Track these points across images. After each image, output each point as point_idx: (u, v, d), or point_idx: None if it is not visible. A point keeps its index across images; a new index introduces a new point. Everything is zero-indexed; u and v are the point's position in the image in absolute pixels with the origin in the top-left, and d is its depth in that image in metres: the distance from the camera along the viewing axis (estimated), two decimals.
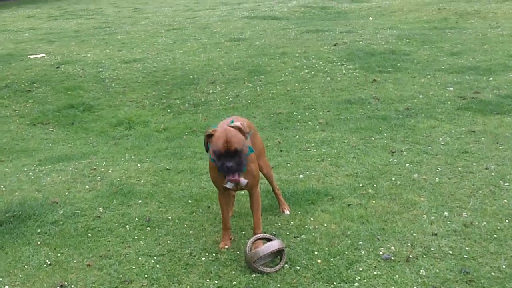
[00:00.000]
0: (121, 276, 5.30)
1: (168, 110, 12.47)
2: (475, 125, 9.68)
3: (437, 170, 7.61)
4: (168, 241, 5.94)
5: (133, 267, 5.43)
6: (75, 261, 5.61)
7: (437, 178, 7.31)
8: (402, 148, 8.64)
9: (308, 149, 8.88)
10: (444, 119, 10.17)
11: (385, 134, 9.45)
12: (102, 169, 8.34)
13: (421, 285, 4.90)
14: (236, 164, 5.12)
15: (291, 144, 9.19)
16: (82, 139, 11.02)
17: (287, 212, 6.40)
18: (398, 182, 7.26)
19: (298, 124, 10.63)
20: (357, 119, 10.57)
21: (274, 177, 6.61)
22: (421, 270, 5.11)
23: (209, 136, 5.22)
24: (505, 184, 7.04)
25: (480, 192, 6.82)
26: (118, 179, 7.85)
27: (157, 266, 5.44)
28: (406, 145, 8.77)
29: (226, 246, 5.76)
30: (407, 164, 7.90)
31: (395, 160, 8.12)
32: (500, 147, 8.48)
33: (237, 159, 5.05)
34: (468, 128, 9.55)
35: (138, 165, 8.50)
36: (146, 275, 5.28)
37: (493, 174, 7.40)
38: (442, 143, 8.80)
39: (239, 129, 5.06)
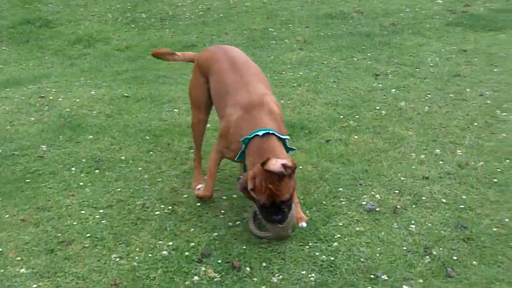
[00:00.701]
0: (59, 234, 4.49)
1: (132, 26, 11.42)
2: (466, 43, 8.80)
3: (426, 97, 6.79)
4: (119, 189, 5.11)
5: (75, 223, 4.62)
6: (7, 215, 4.78)
7: (426, 107, 6.49)
8: (387, 70, 7.77)
9: (284, 72, 7.98)
10: (432, 36, 9.28)
11: (368, 54, 8.55)
12: (51, 97, 7.40)
13: (411, 245, 4.15)
14: (284, 215, 4.07)
15: (265, 66, 8.25)
16: (36, 59, 10.00)
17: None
18: (383, 111, 6.43)
19: (273, 42, 9.66)
20: (338, 36, 9.63)
21: None
22: (411, 225, 4.35)
23: (253, 189, 4.02)
24: (503, 114, 6.25)
25: (475, 124, 6.03)
26: (68, 110, 6.92)
27: (103, 221, 4.63)
28: (391, 67, 7.90)
29: (199, 187, 4.95)
30: (393, 90, 7.06)
31: (380, 84, 7.27)
32: (494, 69, 7.65)
33: (286, 210, 4.06)
34: (458, 47, 8.68)
35: (93, 91, 7.56)
36: (88, 234, 4.48)
37: (488, 101, 6.59)
38: (431, 64, 7.94)
39: (284, 167, 3.95)
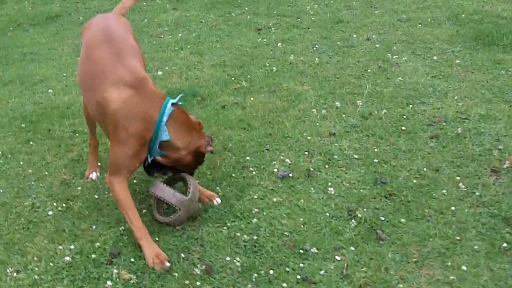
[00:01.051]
0: None
1: None
2: None
3: (314, 48, 6.57)
4: (1, 190, 4.51)
5: None
6: None
7: (316, 59, 6.27)
8: (268, 23, 7.48)
9: (162, 35, 7.48)
10: None
11: (246, 8, 8.21)
12: None
13: (334, 210, 3.92)
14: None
15: (140, 30, 7.71)
16: None
17: None
18: (274, 68, 6.14)
19: (144, 3, 9.08)
20: None
21: None
22: (329, 188, 4.12)
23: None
24: (394, 57, 6.16)
25: (369, 70, 5.88)
26: None
27: None
28: (272, 19, 7.62)
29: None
30: (279, 44, 6.78)
31: (264, 39, 6.97)
32: (375, 12, 7.57)
33: None
34: None
35: None
36: None
37: (377, 46, 6.47)
38: (312, 12, 7.73)
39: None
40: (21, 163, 4.84)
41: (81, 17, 8.87)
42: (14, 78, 6.59)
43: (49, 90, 6.17)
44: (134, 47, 4.04)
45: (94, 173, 4.52)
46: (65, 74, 6.58)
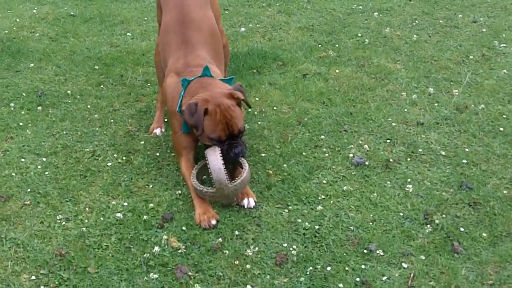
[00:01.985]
0: None
1: None
2: None
3: (414, 23, 6.10)
4: (64, 131, 4.37)
5: (14, 174, 3.90)
6: None
7: (414, 35, 5.81)
8: None
9: None
10: None
11: None
12: None
13: (409, 210, 3.56)
14: (243, 146, 3.61)
15: None
16: None
17: None
18: (366, 40, 5.73)
19: None
20: None
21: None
22: (407, 185, 3.75)
23: (206, 111, 3.53)
24: (501, 45, 5.62)
25: (471, 57, 5.39)
26: (7, 32, 6.04)
27: (46, 172, 3.91)
28: None
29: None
30: (375, 13, 6.34)
31: (360, 6, 6.55)
32: None
33: (242, 140, 3.62)
34: None
35: (35, 9, 6.65)
36: (29, 188, 3.77)
37: (483, 30, 5.95)
38: None
39: (233, 97, 3.60)
40: (89, 106, 4.69)
41: None
42: (95, 15, 6.43)
43: (128, 33, 5.98)
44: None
45: (159, 129, 4.31)
46: (146, 18, 6.37)
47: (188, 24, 3.96)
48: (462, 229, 3.38)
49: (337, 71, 5.14)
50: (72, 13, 6.48)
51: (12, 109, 4.65)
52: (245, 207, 3.55)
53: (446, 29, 5.95)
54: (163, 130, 4.34)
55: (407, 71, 5.13)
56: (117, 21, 6.25)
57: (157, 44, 4.31)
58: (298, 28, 6.03)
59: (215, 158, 3.48)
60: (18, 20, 6.30)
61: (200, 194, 3.54)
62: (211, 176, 3.48)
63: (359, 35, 5.84)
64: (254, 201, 3.57)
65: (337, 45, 5.62)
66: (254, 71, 5.14)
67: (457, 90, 4.79)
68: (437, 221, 3.44)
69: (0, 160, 4.04)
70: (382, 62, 5.29)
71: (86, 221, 3.49)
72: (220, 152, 3.53)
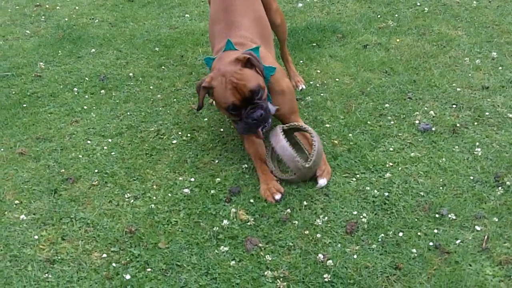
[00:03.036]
0: (63, 170, 3.85)
1: None
2: None
3: None
4: (128, 112, 4.42)
5: (80, 156, 3.97)
6: (3, 148, 4.13)
7: (474, 2, 5.65)
8: None
9: None
10: None
11: None
12: (48, 5, 6.60)
13: (479, 174, 3.47)
14: (265, 110, 3.45)
15: None
16: None
17: (301, 86, 4.53)
18: (426, 8, 5.60)
19: None
20: None
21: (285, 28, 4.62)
22: (476, 148, 3.66)
23: (207, 89, 3.52)
24: None
25: None
26: (67, 19, 6.15)
27: (112, 153, 3.97)
28: None
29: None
30: None
31: None
32: None
33: (262, 102, 3.44)
34: None
35: None
36: (97, 169, 3.83)
37: None
38: None
39: (236, 60, 3.45)
40: (151, 87, 4.73)
41: None
42: (152, 0, 6.48)
43: (186, 15, 6.00)
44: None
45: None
46: (203, 0, 6.38)
47: (232, 11, 3.90)
48: None
49: (397, 40, 5.04)
50: None
51: (76, 93, 4.74)
52: (318, 185, 3.49)
53: None
54: None
55: (468, 37, 4.99)
56: (175, 3, 6.29)
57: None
58: (356, 1, 5.94)
59: (282, 145, 3.43)
60: (77, 7, 6.41)
61: (283, 180, 3.51)
62: (286, 164, 3.45)
63: (418, 4, 5.71)
64: (327, 180, 3.51)
65: (396, 15, 5.51)
66: (313, 44, 5.09)
67: None
68: (508, 183, 3.35)
69: (66, 143, 4.12)
70: (443, 29, 5.16)
71: (154, 198, 3.53)
72: (282, 133, 3.48)
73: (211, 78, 3.47)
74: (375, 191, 3.39)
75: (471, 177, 3.44)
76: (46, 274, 3.02)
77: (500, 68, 4.49)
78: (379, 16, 5.52)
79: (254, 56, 3.47)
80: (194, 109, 4.37)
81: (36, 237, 3.28)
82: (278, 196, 3.38)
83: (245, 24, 3.87)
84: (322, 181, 3.47)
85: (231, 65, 3.44)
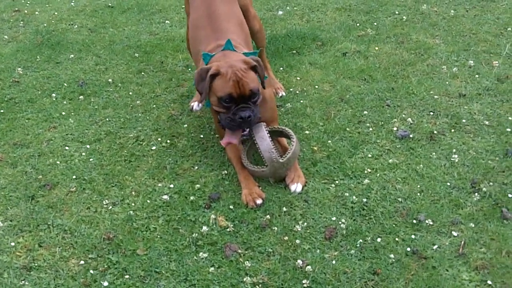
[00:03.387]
0: (40, 176, 3.82)
1: None
2: None
3: None
4: (107, 118, 4.40)
5: (58, 162, 3.94)
6: None
7: (451, 11, 5.71)
8: None
9: None
10: None
11: None
12: (27, 11, 6.57)
13: (456, 180, 3.51)
14: (254, 113, 3.49)
15: None
16: None
17: (281, 93, 4.56)
18: (404, 17, 5.65)
19: None
20: None
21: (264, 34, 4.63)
22: (453, 155, 3.70)
23: (213, 76, 3.49)
24: None
25: (509, 29, 5.30)
26: (46, 25, 6.11)
27: (91, 159, 3.94)
28: None
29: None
30: None
31: None
32: None
33: (253, 107, 3.51)
34: None
35: (73, 2, 6.72)
36: (75, 175, 3.80)
37: None
38: None
39: (251, 65, 3.50)
40: (130, 93, 4.72)
41: None
42: (132, 5, 6.48)
43: (166, 21, 6.01)
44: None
45: (196, 103, 4.34)
46: (183, 6, 6.38)
47: (216, 17, 3.92)
48: (510, 195, 3.33)
49: (376, 48, 5.08)
50: (110, 4, 6.54)
51: (54, 99, 4.71)
52: (292, 191, 3.51)
53: (483, 4, 5.84)
54: (200, 105, 4.33)
55: (446, 45, 5.05)
56: (155, 10, 6.28)
57: (187, 39, 4.31)
58: (336, 9, 5.98)
59: (262, 135, 3.48)
60: (56, 13, 6.39)
61: (253, 173, 3.54)
62: (261, 154, 3.47)
63: (397, 12, 5.77)
64: (302, 186, 3.53)
65: (375, 24, 5.56)
66: (293, 52, 5.12)
67: (497, 62, 4.71)
68: (484, 189, 3.39)
69: (44, 149, 4.09)
70: (421, 37, 5.21)
71: (133, 204, 3.52)
72: (266, 128, 3.52)
73: (218, 66, 3.47)
74: (354, 197, 3.41)
75: (448, 184, 3.47)
76: (23, 281, 2.99)
77: (477, 76, 4.55)
78: (358, 24, 5.57)
79: (260, 65, 3.53)
80: (174, 115, 4.37)
81: (12, 244, 3.25)
82: (259, 201, 3.39)
83: (231, 29, 3.89)
84: (293, 187, 3.50)
85: (239, 63, 3.47)
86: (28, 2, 6.83)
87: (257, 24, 4.33)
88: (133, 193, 3.62)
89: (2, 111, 4.57)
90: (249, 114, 3.44)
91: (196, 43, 3.99)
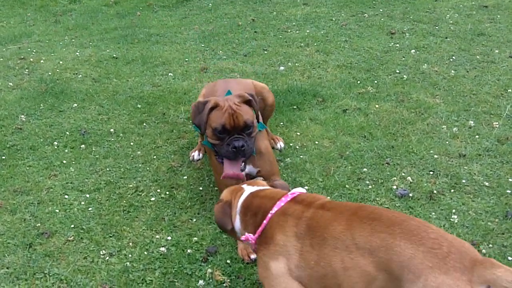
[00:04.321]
0: (39, 224, 3.81)
1: None
2: None
3: (451, 59, 6.07)
4: (108, 168, 4.41)
5: (57, 210, 3.94)
6: None
7: (452, 71, 5.79)
8: (403, 28, 7.03)
9: (289, 30, 7.23)
10: None
11: (380, 10, 7.80)
12: (32, 59, 6.65)
13: None
14: (247, 144, 3.58)
15: (267, 23, 7.50)
16: (18, 16, 9.17)
17: (280, 144, 4.59)
18: (404, 76, 5.73)
19: None
20: None
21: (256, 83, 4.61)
22: (452, 216, 3.70)
23: (211, 109, 3.61)
24: None
25: (510, 91, 5.35)
26: (50, 73, 6.18)
27: (90, 209, 3.94)
28: (407, 24, 7.16)
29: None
30: (412, 51, 6.34)
31: (397, 44, 6.54)
32: None
33: (247, 138, 3.62)
34: (478, 2, 7.95)
35: (78, 52, 6.80)
36: (73, 224, 3.80)
37: None
38: (451, 21, 7.20)
39: (246, 100, 3.67)
40: (132, 143, 4.74)
41: (210, 4, 8.80)
42: (137, 57, 6.57)
43: (169, 74, 6.08)
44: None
45: (197, 152, 4.39)
46: (187, 59, 6.48)
47: (229, 84, 4.18)
48: (510, 258, 3.31)
49: (376, 106, 5.13)
50: (114, 55, 6.63)
51: (56, 147, 4.73)
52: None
53: (483, 65, 5.92)
54: (201, 154, 4.36)
55: (446, 105, 5.10)
56: (159, 62, 6.37)
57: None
58: (337, 66, 6.06)
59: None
60: (61, 62, 6.47)
61: None
62: None
63: (397, 71, 5.84)
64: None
65: (375, 82, 5.63)
66: (294, 107, 5.17)
67: (497, 123, 4.75)
68: (484, 251, 3.37)
69: (43, 197, 4.10)
70: (421, 97, 5.27)
71: (130, 255, 3.50)
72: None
73: (216, 100, 3.62)
74: None
75: None
76: None
77: (477, 136, 4.58)
78: (359, 82, 5.64)
79: (255, 99, 3.69)
80: (174, 166, 4.39)
81: None
82: (253, 256, 3.37)
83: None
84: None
85: (234, 98, 3.64)
86: (34, 51, 6.92)
87: (270, 99, 4.41)
88: (131, 244, 3.60)
89: (3, 157, 4.58)
90: (242, 143, 3.53)
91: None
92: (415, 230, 2.27)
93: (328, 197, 3.89)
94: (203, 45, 6.82)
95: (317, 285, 2.50)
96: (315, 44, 6.69)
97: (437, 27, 7.01)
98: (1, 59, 6.67)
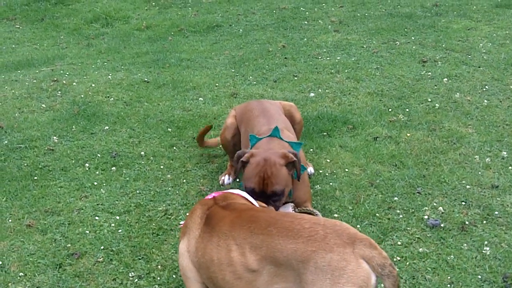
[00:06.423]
0: (69, 245, 3.84)
1: (153, 3, 10.75)
2: None
3: (484, 89, 6.03)
4: (138, 190, 4.44)
5: (87, 231, 3.96)
6: (11, 219, 4.13)
7: (485, 100, 5.73)
8: (435, 56, 7.00)
9: (319, 57, 7.24)
10: (481, 19, 8.47)
11: (412, 37, 7.78)
12: (65, 81, 6.74)
13: (487, 273, 3.44)
14: (273, 206, 3.62)
15: (298, 50, 7.52)
16: (51, 39, 9.31)
17: (310, 169, 4.58)
18: (437, 104, 5.69)
19: (306, 22, 8.92)
20: (376, 17, 8.87)
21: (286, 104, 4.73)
22: (485, 248, 3.64)
23: (244, 163, 3.68)
24: None
25: None
26: (83, 96, 6.26)
27: (119, 231, 3.96)
28: (439, 53, 7.13)
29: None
30: (445, 79, 6.31)
31: (429, 73, 6.52)
32: None
33: (275, 201, 3.63)
34: (511, 32, 7.85)
35: (110, 75, 6.88)
36: (103, 246, 3.82)
37: None
38: (484, 50, 7.15)
39: (284, 156, 3.61)
40: (162, 167, 4.77)
41: (241, 29, 8.86)
42: (168, 82, 6.62)
43: (200, 98, 6.12)
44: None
45: (227, 176, 4.40)
46: (217, 84, 6.52)
47: (268, 110, 4.25)
48: None
49: (408, 134, 5.10)
50: (145, 79, 6.70)
51: (87, 169, 4.77)
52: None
53: None
54: (231, 178, 4.38)
55: (479, 135, 5.05)
56: (189, 87, 6.42)
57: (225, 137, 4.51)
58: (367, 93, 6.05)
59: (287, 211, 3.50)
60: (93, 85, 6.55)
61: None
62: None
63: (429, 100, 5.81)
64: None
65: (407, 110, 5.60)
66: (324, 134, 5.16)
67: None
68: None
69: (74, 217, 4.13)
70: (453, 126, 5.23)
71: (159, 278, 3.51)
72: (293, 209, 3.55)
73: (251, 154, 3.62)
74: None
75: (479, 276, 3.40)
76: None
77: (510, 167, 4.53)
78: (390, 109, 5.61)
79: (299, 160, 3.62)
80: (203, 191, 4.40)
81: None
82: None
83: (280, 119, 4.15)
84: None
85: (276, 156, 3.59)
86: (67, 73, 7.03)
87: (298, 115, 4.48)
88: (159, 267, 3.61)
89: (35, 178, 4.64)
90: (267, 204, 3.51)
91: (248, 128, 4.15)
92: (290, 226, 2.61)
93: (358, 226, 3.86)
94: (233, 71, 6.86)
95: (204, 275, 2.88)
96: (346, 71, 6.69)
97: (469, 56, 6.97)
98: (35, 81, 6.77)
